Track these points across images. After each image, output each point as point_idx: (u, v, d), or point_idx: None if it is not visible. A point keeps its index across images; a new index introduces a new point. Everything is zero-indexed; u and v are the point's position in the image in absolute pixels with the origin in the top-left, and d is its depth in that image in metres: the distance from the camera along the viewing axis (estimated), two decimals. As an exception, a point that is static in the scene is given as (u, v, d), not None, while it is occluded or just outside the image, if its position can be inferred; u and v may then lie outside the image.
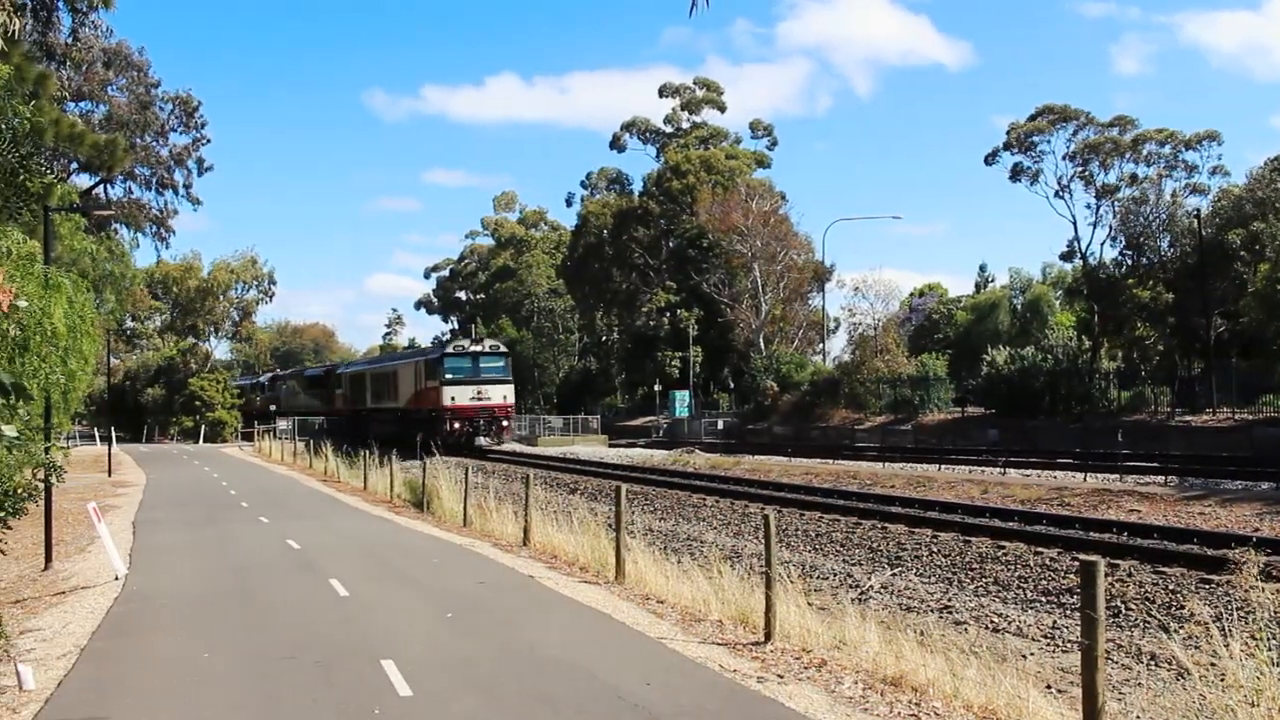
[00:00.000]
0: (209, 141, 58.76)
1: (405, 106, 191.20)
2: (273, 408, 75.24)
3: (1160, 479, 24.44)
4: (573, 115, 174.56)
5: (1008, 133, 58.20)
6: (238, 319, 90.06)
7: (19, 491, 9.66)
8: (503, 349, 50.93)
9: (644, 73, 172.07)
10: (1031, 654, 11.19)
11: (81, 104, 49.03)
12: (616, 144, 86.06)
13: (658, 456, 41.51)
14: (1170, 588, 13.40)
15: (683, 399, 63.22)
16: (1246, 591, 6.61)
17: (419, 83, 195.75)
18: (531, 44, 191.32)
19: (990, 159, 59.40)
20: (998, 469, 29.05)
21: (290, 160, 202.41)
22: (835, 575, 16.56)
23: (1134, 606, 12.83)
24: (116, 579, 14.73)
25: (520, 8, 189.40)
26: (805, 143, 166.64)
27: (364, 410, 58.24)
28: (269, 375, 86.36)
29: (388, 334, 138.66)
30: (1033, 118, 57.49)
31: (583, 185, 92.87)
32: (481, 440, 46.56)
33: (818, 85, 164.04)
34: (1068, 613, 12.71)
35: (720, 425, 58.84)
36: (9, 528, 10.43)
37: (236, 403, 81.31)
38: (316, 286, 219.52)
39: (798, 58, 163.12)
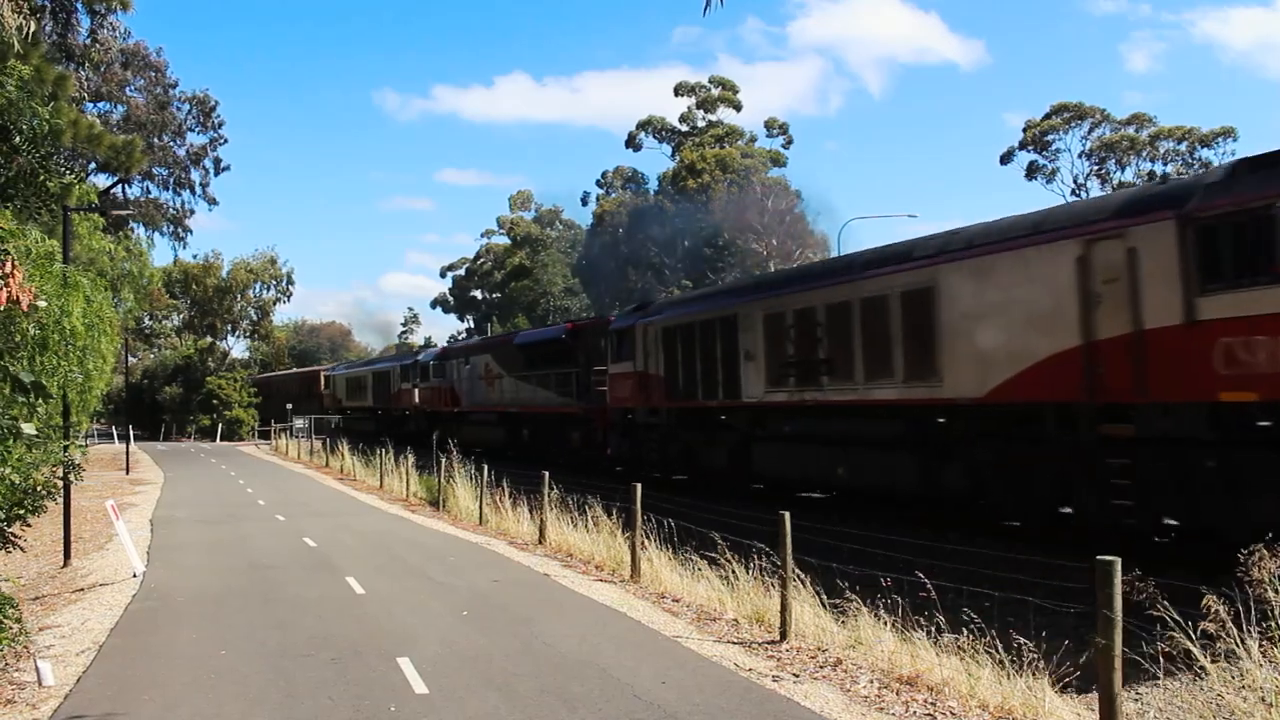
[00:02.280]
0: (226, 141, 58.97)
1: (417, 106, 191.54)
2: (457, 409, 46.40)
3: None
4: (585, 115, 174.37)
5: (1023, 131, 58.12)
6: (256, 318, 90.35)
7: (38, 489, 9.73)
8: None
9: (656, 72, 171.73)
10: (1047, 653, 11.12)
11: (100, 105, 49.26)
12: (632, 143, 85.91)
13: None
14: (1188, 587, 13.27)
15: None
16: (1263, 590, 6.58)
17: (429, 83, 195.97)
18: (541, 44, 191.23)
19: (1006, 158, 59.28)
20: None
21: (303, 160, 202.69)
22: (852, 574, 16.49)
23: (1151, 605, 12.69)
24: (134, 576, 14.82)
25: (529, 8, 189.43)
26: (818, 141, 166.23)
27: (751, 410, 22.85)
28: (432, 352, 54.06)
29: (403, 333, 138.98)
30: (1048, 116, 57.31)
31: (598, 184, 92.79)
32: None
33: (830, 84, 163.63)
34: (1085, 614, 12.62)
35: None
36: (28, 525, 10.51)
37: (250, 401, 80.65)
38: (331, 285, 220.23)
39: (810, 56, 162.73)
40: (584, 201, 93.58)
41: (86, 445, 14.57)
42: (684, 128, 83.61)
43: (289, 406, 71.63)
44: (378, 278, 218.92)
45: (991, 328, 16.03)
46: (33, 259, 12.23)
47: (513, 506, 19.82)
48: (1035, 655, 7.74)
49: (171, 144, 55.45)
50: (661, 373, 26.14)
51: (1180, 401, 13.09)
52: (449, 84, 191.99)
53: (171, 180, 56.23)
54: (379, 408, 58.20)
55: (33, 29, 14.42)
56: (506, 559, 15.96)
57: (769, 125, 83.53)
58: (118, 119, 49.87)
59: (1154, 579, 6.94)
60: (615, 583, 13.52)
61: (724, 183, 70.93)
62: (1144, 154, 54.80)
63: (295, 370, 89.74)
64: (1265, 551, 6.73)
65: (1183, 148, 53.79)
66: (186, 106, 56.65)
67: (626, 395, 28.24)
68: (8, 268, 7.09)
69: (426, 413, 49.94)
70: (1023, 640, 7.83)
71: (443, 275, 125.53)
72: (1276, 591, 6.50)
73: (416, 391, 51.40)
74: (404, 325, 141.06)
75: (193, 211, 58.19)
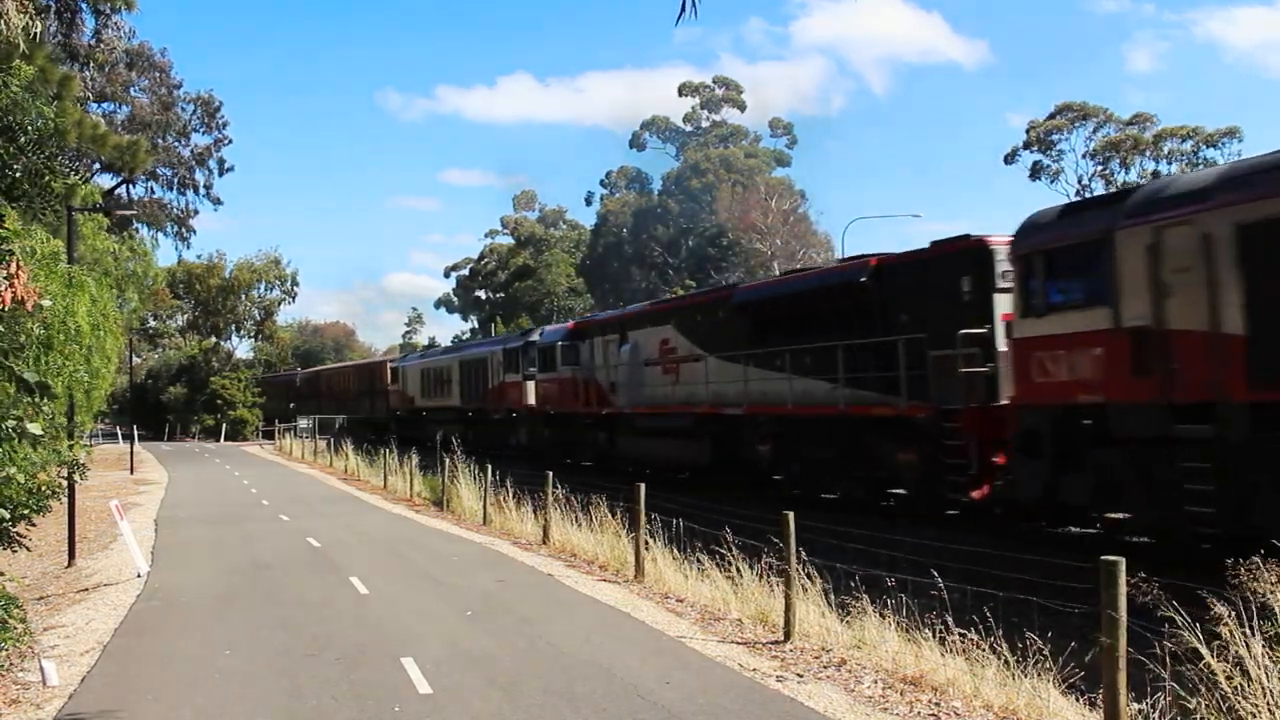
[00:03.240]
0: (230, 142, 59.04)
1: (420, 107, 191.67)
2: (605, 409, 31.26)
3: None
4: (588, 115, 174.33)
5: (1027, 131, 58.18)
6: (260, 318, 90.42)
7: (43, 489, 9.74)
8: None
9: (659, 72, 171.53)
10: (1052, 653, 11.11)
11: (104, 105, 49.37)
12: (636, 143, 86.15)
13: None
14: (1190, 588, 13.22)
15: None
16: (1271, 590, 6.57)
17: (432, 83, 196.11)
18: (544, 45, 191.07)
19: (1010, 158, 59.29)
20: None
21: (306, 160, 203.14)
22: (856, 574, 16.48)
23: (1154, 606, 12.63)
24: (139, 576, 14.85)
25: (531, 9, 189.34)
26: (822, 141, 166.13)
27: None
28: (557, 330, 37.26)
29: (408, 332, 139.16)
30: (1052, 116, 57.34)
31: (602, 184, 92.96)
32: None
33: (833, 84, 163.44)
34: (1089, 614, 12.59)
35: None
36: (33, 525, 10.52)
37: (254, 401, 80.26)
38: (334, 285, 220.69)
39: (813, 56, 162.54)
40: (588, 201, 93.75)
41: (91, 445, 14.56)
42: (688, 128, 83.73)
43: (291, 406, 71.23)
44: (381, 277, 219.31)
45: None
46: (38, 259, 12.26)
47: (516, 506, 19.81)
48: (1040, 656, 7.72)
49: (176, 144, 55.59)
50: (1234, 325, 12.60)
51: None
52: (452, 84, 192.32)
53: (175, 180, 56.36)
54: (469, 408, 44.39)
55: (39, 29, 14.44)
56: (510, 559, 15.96)
57: (773, 125, 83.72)
58: (122, 119, 49.96)
59: (1158, 579, 6.93)
60: (619, 583, 13.51)
61: (728, 183, 70.98)
62: (1148, 154, 54.80)
63: (353, 363, 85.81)
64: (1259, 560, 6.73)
65: (1187, 147, 53.75)
66: (191, 107, 56.81)
67: (1076, 376, 15.03)
68: (13, 268, 7.10)
69: (549, 415, 35.42)
70: (1028, 640, 7.82)
71: (446, 275, 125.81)
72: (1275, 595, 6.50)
73: (531, 385, 37.16)
74: (407, 326, 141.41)
75: (197, 212, 58.37)
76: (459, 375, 46.16)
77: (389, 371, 60.42)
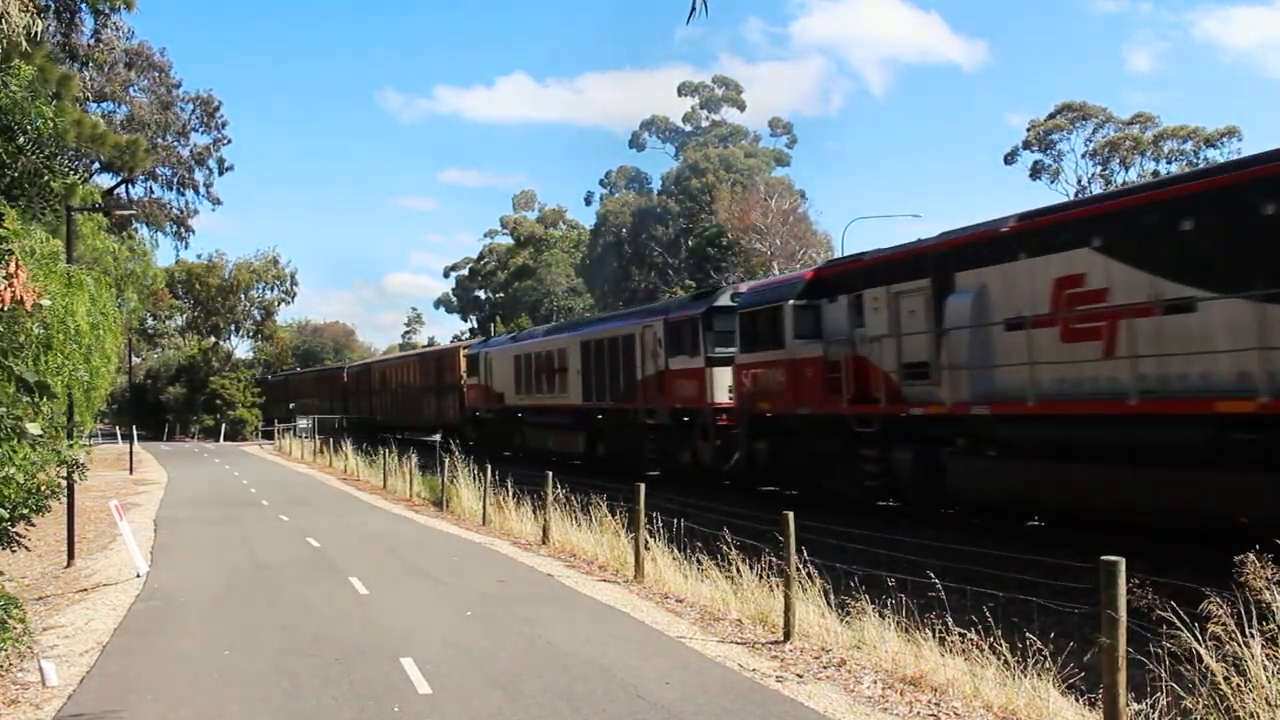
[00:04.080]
0: (229, 141, 58.90)
1: (419, 107, 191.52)
2: (904, 410, 17.81)
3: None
4: (588, 115, 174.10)
5: (1027, 131, 58.28)
6: (259, 318, 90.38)
7: (42, 489, 9.73)
8: None
9: (659, 73, 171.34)
10: (1052, 653, 11.10)
11: (104, 105, 49.25)
12: (636, 142, 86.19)
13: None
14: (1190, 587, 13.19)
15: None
16: (1260, 593, 6.57)
17: (431, 83, 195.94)
18: (543, 45, 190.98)
19: (1010, 158, 59.37)
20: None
21: (306, 160, 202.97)
22: (857, 574, 16.45)
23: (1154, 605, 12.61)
24: (138, 576, 14.84)
25: (531, 9, 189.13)
26: (821, 141, 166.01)
27: None
28: (785, 281, 24.19)
29: (407, 332, 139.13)
30: (1052, 116, 57.40)
31: (601, 184, 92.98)
32: None
33: (833, 84, 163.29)
34: (1088, 614, 12.57)
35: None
36: (32, 525, 10.51)
37: (253, 401, 79.98)
38: (335, 285, 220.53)
39: (813, 56, 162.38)
40: (587, 201, 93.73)
41: (90, 445, 14.46)
42: (688, 127, 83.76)
43: (291, 407, 70.99)
44: (381, 277, 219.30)
45: None
46: (37, 259, 12.24)
47: (516, 507, 19.81)
48: (1040, 656, 7.72)
49: (175, 144, 55.47)
50: None
51: None
52: (451, 84, 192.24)
53: (175, 180, 56.24)
54: (599, 408, 31.62)
55: (39, 28, 14.44)
56: (510, 559, 15.95)
57: (773, 125, 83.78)
58: (121, 119, 49.84)
59: (1158, 579, 6.93)
60: (619, 583, 13.51)
61: (727, 183, 70.97)
62: (1148, 154, 54.84)
63: (417, 352, 72.21)
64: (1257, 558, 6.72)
65: (1188, 147, 53.76)
66: (190, 107, 56.71)
67: None
68: (12, 267, 7.10)
69: (764, 418, 22.49)
70: (1028, 640, 7.81)
71: (446, 275, 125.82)
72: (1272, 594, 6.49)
73: (724, 373, 24.73)
74: (407, 326, 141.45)
75: (196, 211, 58.18)
76: (580, 361, 32.89)
77: (463, 362, 46.24)
